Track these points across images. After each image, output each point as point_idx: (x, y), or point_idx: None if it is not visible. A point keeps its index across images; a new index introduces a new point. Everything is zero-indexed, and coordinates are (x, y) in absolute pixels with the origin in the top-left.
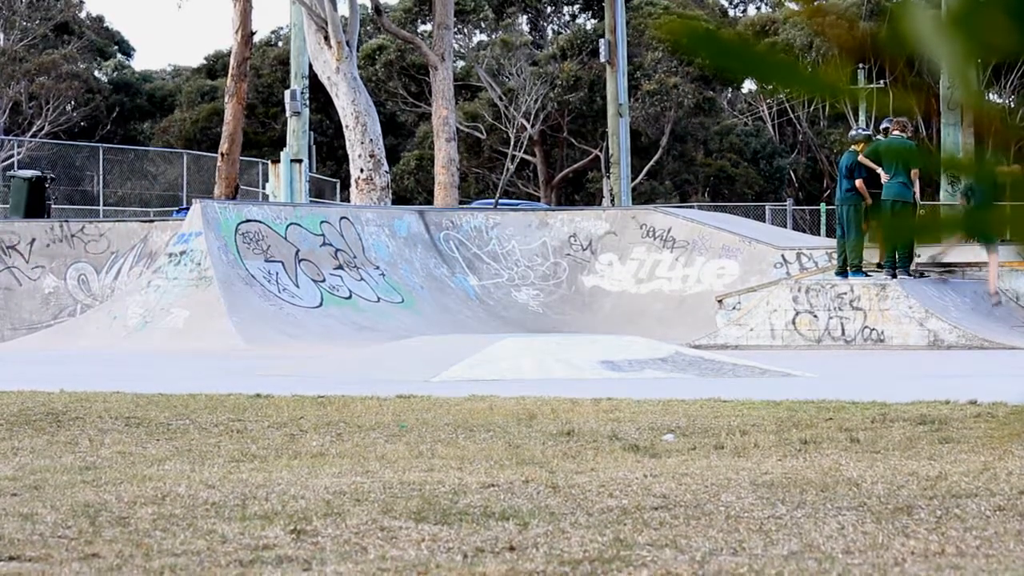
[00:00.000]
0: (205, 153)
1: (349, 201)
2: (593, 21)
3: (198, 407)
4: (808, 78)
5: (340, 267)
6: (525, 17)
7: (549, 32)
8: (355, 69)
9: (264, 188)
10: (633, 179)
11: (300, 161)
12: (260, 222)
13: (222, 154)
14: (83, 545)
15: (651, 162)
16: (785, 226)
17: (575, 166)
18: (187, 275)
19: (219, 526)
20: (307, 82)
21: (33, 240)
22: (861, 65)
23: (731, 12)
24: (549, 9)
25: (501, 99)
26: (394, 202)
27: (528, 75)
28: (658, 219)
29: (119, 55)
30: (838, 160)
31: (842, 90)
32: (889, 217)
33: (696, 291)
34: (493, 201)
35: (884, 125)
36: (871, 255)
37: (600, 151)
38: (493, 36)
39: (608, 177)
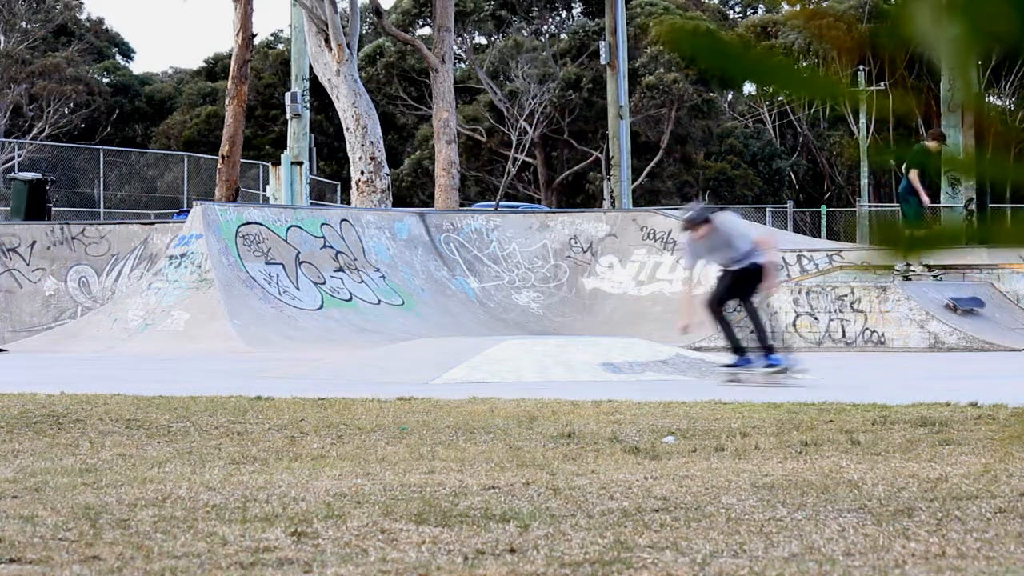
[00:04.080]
0: (205, 155)
1: (349, 203)
2: (590, 21)
3: (199, 409)
4: (807, 80)
5: (341, 269)
6: (529, 28)
7: (549, 31)
8: (356, 71)
9: (264, 190)
10: (633, 181)
11: (300, 163)
12: (261, 224)
13: (222, 156)
14: (84, 547)
15: (651, 164)
16: (785, 228)
17: (575, 168)
18: (187, 277)
19: (220, 528)
20: (307, 84)
21: (34, 242)
22: (862, 67)
23: (730, 15)
24: (549, 10)
25: (502, 101)
26: (394, 204)
27: (532, 77)
28: (659, 221)
29: (119, 57)
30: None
31: (841, 92)
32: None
33: (697, 293)
34: (494, 203)
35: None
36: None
37: (600, 153)
38: (493, 39)
39: (609, 179)
